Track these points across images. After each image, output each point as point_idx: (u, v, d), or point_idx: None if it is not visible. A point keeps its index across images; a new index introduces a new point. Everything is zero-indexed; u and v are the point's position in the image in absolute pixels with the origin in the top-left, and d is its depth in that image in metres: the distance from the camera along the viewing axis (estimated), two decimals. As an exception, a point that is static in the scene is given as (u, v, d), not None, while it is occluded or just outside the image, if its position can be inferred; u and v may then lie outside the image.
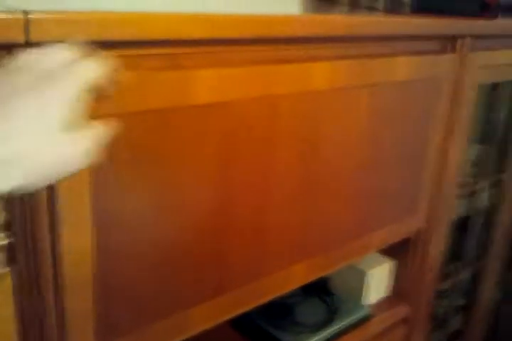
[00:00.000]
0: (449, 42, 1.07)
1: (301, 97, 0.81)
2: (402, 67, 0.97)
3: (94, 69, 0.43)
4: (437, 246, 1.29)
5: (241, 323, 1.06)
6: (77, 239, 0.62)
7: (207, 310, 0.80)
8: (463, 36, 1.07)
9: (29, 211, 0.58)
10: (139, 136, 0.65)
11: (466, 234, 1.47)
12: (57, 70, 0.42)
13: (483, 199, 1.51)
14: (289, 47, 0.78)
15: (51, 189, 0.58)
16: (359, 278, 1.20)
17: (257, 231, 0.84)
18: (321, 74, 0.82)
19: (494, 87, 1.36)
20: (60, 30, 0.53)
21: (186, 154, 0.70)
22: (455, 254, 1.53)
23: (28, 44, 0.51)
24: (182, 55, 0.67)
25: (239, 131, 0.75)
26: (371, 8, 1.07)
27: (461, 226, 1.48)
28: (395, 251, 1.23)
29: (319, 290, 1.16)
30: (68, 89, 0.41)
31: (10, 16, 0.50)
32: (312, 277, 0.98)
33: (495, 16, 1.11)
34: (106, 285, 0.67)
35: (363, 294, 1.20)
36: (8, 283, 0.58)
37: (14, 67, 0.43)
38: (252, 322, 1.06)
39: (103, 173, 0.62)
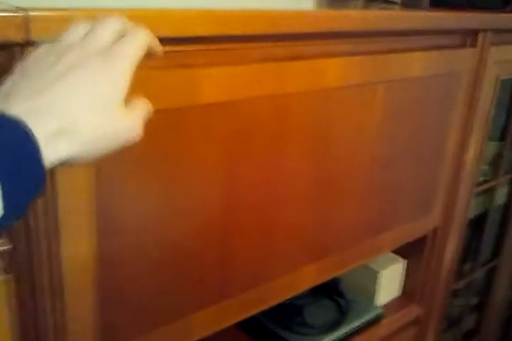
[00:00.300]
0: (469, 37, 1.03)
1: (313, 95, 0.78)
2: (419, 63, 0.93)
3: (144, 38, 0.44)
4: (453, 246, 1.25)
5: (248, 324, 1.04)
6: (78, 244, 0.59)
7: (211, 314, 0.78)
8: (484, 30, 1.03)
9: (30, 215, 0.56)
10: (145, 138, 0.62)
11: (482, 232, 1.44)
12: (111, 43, 0.43)
13: (500, 197, 1.47)
14: (300, 43, 0.75)
15: (52, 192, 0.56)
16: (371, 278, 1.17)
17: (265, 233, 0.81)
18: (334, 70, 0.79)
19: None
20: (62, 28, 0.50)
21: (194, 155, 0.68)
22: (470, 253, 1.50)
23: (29, 43, 0.49)
24: (189, 53, 0.64)
25: (248, 130, 0.72)
26: (388, 2, 1.03)
27: (477, 225, 1.44)
28: (408, 250, 1.20)
29: (330, 290, 1.13)
30: (125, 62, 0.41)
31: (8, 14, 0.48)
32: (322, 279, 0.95)
33: (518, 9, 1.07)
34: (108, 291, 0.65)
35: (375, 294, 1.18)
36: (7, 290, 0.56)
37: (68, 40, 0.43)
38: (259, 322, 1.04)
39: (107, 176, 0.60)
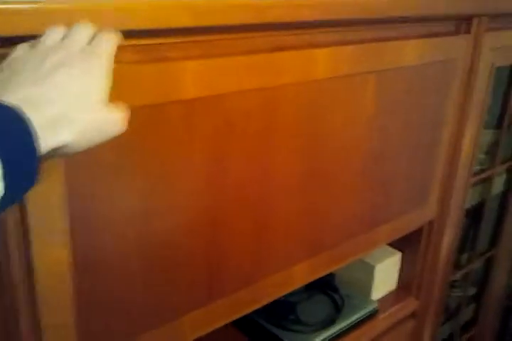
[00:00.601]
0: (463, 23, 1.00)
1: (302, 87, 0.75)
2: (412, 51, 0.89)
3: (115, 37, 0.48)
4: (450, 237, 1.23)
5: (241, 321, 1.01)
6: (52, 249, 0.56)
7: (202, 316, 0.76)
8: (479, 15, 1.00)
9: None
10: (123, 136, 0.59)
11: (479, 222, 1.41)
12: (88, 44, 0.47)
13: (498, 186, 1.45)
14: (287, 33, 0.72)
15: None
16: (367, 272, 1.14)
17: (256, 229, 0.78)
18: (323, 61, 0.75)
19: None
20: (25, 23, 0.47)
21: (177, 152, 0.65)
22: (467, 243, 1.48)
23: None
24: (166, 46, 0.60)
25: (235, 125, 0.69)
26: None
27: (475, 214, 1.42)
28: (403, 242, 1.17)
29: (324, 285, 1.11)
30: (106, 59, 0.46)
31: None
32: (315, 276, 0.93)
33: (513, -7, 1.03)
34: (89, 297, 0.62)
35: (371, 289, 1.15)
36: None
37: (48, 42, 0.46)
38: (252, 320, 1.02)
39: (81, 177, 0.57)
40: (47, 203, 0.55)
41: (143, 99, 0.58)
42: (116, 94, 0.55)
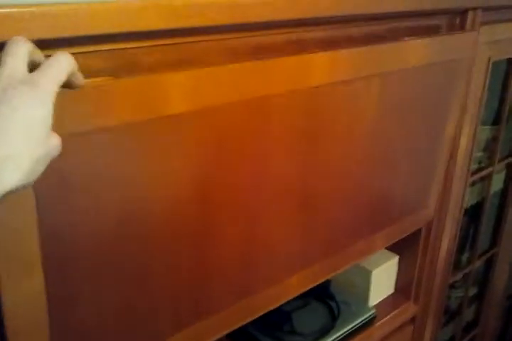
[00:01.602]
0: (457, 17, 0.95)
1: (298, 95, 0.70)
2: (414, 51, 0.84)
3: (65, 62, 0.44)
4: (448, 238, 1.19)
5: (234, 332, 0.97)
6: (22, 279, 0.52)
7: (189, 336, 0.71)
8: (473, 8, 0.95)
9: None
10: (95, 157, 0.54)
11: (479, 221, 1.37)
12: (26, 71, 0.43)
13: (497, 184, 1.41)
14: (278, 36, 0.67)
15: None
16: (363, 277, 1.10)
17: (245, 243, 0.74)
18: (319, 67, 0.70)
19: (509, 62, 1.23)
20: None
21: (161, 172, 0.60)
22: (467, 243, 1.44)
23: None
24: (141, 50, 0.56)
25: (225, 139, 0.64)
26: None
27: (474, 214, 1.38)
28: (401, 244, 1.13)
29: (320, 292, 1.07)
30: (49, 92, 0.42)
31: None
32: (309, 285, 0.89)
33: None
34: (65, 329, 0.57)
35: (368, 294, 1.11)
36: None
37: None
38: (246, 331, 0.97)
39: (54, 203, 0.52)
40: (14, 225, 0.50)
41: (124, 116, 0.53)
42: (93, 111, 0.51)
